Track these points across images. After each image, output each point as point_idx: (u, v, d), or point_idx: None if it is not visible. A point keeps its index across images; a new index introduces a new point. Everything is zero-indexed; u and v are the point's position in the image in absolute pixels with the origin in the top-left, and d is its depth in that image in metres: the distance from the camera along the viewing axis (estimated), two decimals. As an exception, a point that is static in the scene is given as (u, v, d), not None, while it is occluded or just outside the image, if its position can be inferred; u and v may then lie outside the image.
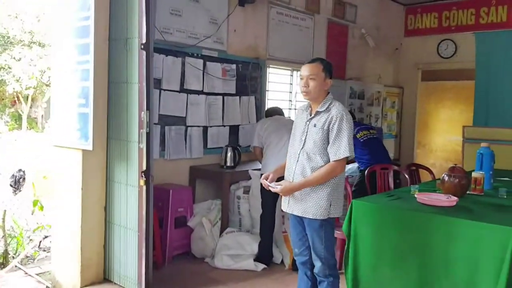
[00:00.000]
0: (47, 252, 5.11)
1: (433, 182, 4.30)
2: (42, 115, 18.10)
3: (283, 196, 2.98)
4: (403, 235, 3.14)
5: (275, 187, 2.87)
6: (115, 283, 3.81)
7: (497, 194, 3.72)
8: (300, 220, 2.92)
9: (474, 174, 3.80)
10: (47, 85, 15.35)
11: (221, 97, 5.08)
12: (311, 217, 2.79)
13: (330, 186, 2.81)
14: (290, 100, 6.22)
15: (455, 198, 3.31)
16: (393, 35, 8.04)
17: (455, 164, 3.70)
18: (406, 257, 3.11)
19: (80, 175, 3.67)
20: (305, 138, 2.86)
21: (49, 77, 15.30)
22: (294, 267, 4.19)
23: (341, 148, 2.75)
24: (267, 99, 5.74)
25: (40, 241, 5.07)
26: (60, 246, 3.92)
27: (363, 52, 7.31)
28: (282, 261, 4.41)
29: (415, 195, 3.42)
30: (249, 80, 5.36)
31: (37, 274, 4.51)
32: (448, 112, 9.49)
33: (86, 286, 3.75)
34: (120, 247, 3.76)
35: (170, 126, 4.64)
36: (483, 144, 4.11)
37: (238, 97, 5.26)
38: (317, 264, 2.86)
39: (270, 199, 4.22)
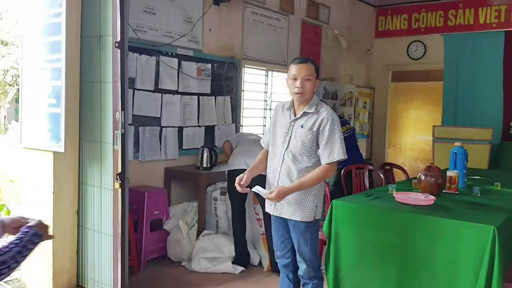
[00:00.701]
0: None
1: (409, 182, 4.34)
2: (5, 116, 17.53)
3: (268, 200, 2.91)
4: (384, 234, 3.14)
5: (266, 194, 2.73)
6: (89, 290, 3.68)
7: (471, 193, 3.78)
8: (283, 222, 2.87)
9: (449, 173, 3.84)
10: (10, 85, 14.88)
11: (196, 97, 5.00)
12: (298, 220, 2.75)
13: (316, 188, 2.79)
14: (265, 100, 6.18)
15: (433, 197, 3.34)
16: (365, 36, 8.12)
17: (431, 164, 3.74)
18: (387, 257, 3.11)
19: (52, 178, 3.53)
20: (289, 138, 2.81)
21: (12, 76, 14.83)
22: (273, 269, 4.16)
23: (335, 151, 2.71)
24: (243, 99, 5.68)
25: (7, 247, 4.86)
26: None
27: (336, 53, 7.34)
28: (260, 262, 4.36)
29: (394, 195, 3.44)
30: (224, 80, 5.30)
31: (5, 282, 4.33)
32: (416, 112, 9.67)
33: (58, 293, 3.61)
34: (94, 252, 3.64)
35: (145, 126, 4.52)
36: (456, 144, 4.17)
37: (213, 97, 5.19)
38: (302, 266, 2.83)
39: (238, 199, 4.21)
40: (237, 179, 2.81)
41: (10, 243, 1.56)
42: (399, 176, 5.59)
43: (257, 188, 2.74)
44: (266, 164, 2.95)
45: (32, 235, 1.65)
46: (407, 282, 3.02)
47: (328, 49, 7.13)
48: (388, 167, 5.40)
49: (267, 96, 6.22)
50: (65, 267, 3.67)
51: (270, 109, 6.27)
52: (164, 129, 4.70)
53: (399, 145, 9.93)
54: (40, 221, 1.79)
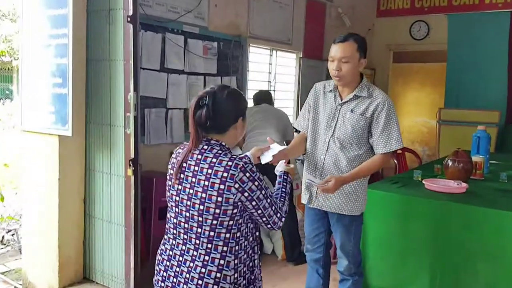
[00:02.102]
0: (8, 246, 4.65)
1: (429, 167, 4.19)
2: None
3: (307, 188, 2.67)
4: (415, 224, 3.00)
5: (320, 184, 2.40)
6: (97, 283, 3.46)
7: (497, 179, 3.65)
8: (321, 214, 2.66)
9: (474, 158, 3.69)
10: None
11: (202, 77, 4.73)
12: (346, 213, 2.53)
13: (365, 179, 2.57)
14: (269, 81, 5.94)
15: (465, 184, 3.19)
16: (366, 15, 7.88)
17: (458, 148, 3.57)
18: (419, 248, 2.97)
19: (57, 164, 3.27)
20: (335, 124, 2.55)
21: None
22: (288, 258, 3.98)
23: (392, 139, 2.46)
24: (248, 80, 5.43)
25: (3, 236, 4.60)
26: (33, 242, 3.51)
27: (339, 32, 7.02)
28: (274, 251, 4.18)
29: (423, 182, 3.27)
30: (230, 59, 5.03)
31: (2, 273, 4.08)
32: (415, 94, 9.55)
33: (64, 286, 3.38)
34: (102, 243, 3.41)
35: (150, 108, 4.25)
36: (479, 127, 4.01)
37: (219, 78, 4.92)
38: (343, 262, 2.63)
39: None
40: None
41: (283, 193, 1.92)
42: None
43: (309, 178, 2.48)
44: (303, 148, 2.70)
45: (289, 182, 1.99)
46: (443, 274, 2.88)
47: (331, 28, 6.89)
48: (400, 151, 5.24)
49: (271, 77, 5.98)
50: (71, 259, 3.43)
51: (274, 90, 6.04)
52: (170, 111, 4.44)
53: (395, 128, 9.83)
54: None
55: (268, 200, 1.72)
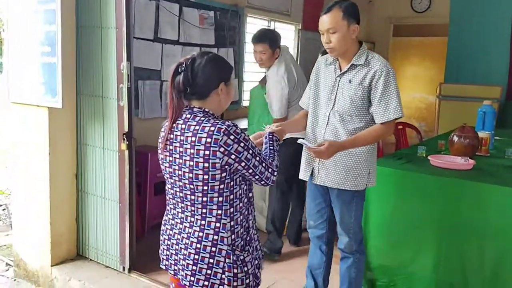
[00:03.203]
0: (3, 222, 4.54)
1: (433, 142, 4.07)
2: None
3: (307, 164, 2.56)
4: (420, 201, 2.88)
5: (312, 147, 2.25)
6: (91, 260, 3.35)
7: (502, 155, 3.53)
8: (323, 190, 2.54)
9: (480, 134, 3.56)
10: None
11: (198, 48, 4.55)
12: (348, 189, 2.41)
13: (368, 151, 2.41)
14: (267, 54, 5.76)
15: (472, 161, 3.07)
16: (367, -14, 7.68)
17: (465, 124, 3.45)
18: (426, 227, 2.86)
19: (47, 138, 3.12)
20: (335, 96, 2.43)
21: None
22: (293, 242, 3.86)
23: (391, 107, 2.31)
24: (245, 52, 5.26)
25: (-7, 211, 4.48)
26: (23, 219, 3.38)
27: (338, 3, 6.89)
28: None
29: (429, 158, 3.16)
30: (227, 30, 4.85)
31: (-7, 249, 3.98)
32: (413, 68, 9.40)
33: (57, 264, 3.27)
34: (96, 219, 3.29)
35: (144, 80, 4.10)
36: (485, 102, 3.88)
37: (216, 49, 4.75)
38: (344, 239, 2.52)
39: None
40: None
41: (271, 150, 1.93)
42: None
43: (301, 141, 2.30)
44: (304, 124, 2.58)
45: (276, 140, 2.00)
46: (448, 252, 2.78)
47: (331, -1, 6.68)
48: (400, 127, 5.11)
49: (268, 49, 5.80)
50: (64, 236, 3.31)
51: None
52: (164, 83, 4.28)
53: (393, 103, 9.71)
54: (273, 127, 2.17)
55: (257, 158, 1.73)
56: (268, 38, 3.51)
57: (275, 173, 1.81)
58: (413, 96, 9.48)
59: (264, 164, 1.75)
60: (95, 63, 3.12)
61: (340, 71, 2.43)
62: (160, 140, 1.82)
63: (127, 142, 3.03)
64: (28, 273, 3.38)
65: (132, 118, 3.10)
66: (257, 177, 1.74)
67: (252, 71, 5.41)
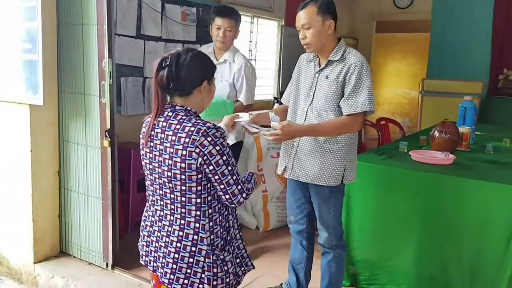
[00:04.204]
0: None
1: (414, 138, 4.13)
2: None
3: (283, 159, 2.59)
4: (401, 196, 2.93)
5: (267, 131, 2.22)
6: (74, 257, 3.34)
7: (483, 150, 3.61)
8: (301, 185, 2.56)
9: (461, 129, 3.63)
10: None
11: (181, 44, 4.54)
12: (323, 184, 2.43)
13: (343, 147, 2.42)
14: (250, 50, 5.77)
15: (452, 156, 3.13)
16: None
17: (446, 119, 3.51)
18: (405, 220, 2.91)
19: (29, 135, 3.09)
20: (313, 92, 2.45)
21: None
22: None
23: (359, 100, 2.32)
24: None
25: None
26: (5, 216, 3.35)
27: None
28: (258, 227, 4.11)
29: (410, 153, 3.20)
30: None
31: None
32: (396, 64, 9.48)
33: (40, 261, 3.26)
34: (79, 216, 3.28)
35: (127, 77, 4.07)
36: (466, 98, 3.94)
37: (198, 46, 4.72)
38: (323, 234, 2.55)
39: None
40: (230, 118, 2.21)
41: (249, 177, 1.85)
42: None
43: (250, 125, 2.25)
44: (283, 118, 2.58)
45: (254, 181, 1.86)
46: (428, 246, 2.84)
47: (314, -5, 6.70)
48: (383, 123, 5.17)
49: (251, 46, 5.81)
50: (47, 233, 3.30)
51: (255, 60, 5.88)
52: (147, 80, 4.26)
53: (376, 99, 9.66)
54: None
55: (234, 178, 1.71)
56: (237, 15, 3.32)
57: (247, 198, 1.77)
58: (396, 92, 9.57)
59: (239, 187, 1.72)
60: (76, 60, 3.10)
61: (319, 67, 2.45)
62: (141, 136, 1.82)
63: (109, 139, 3.02)
64: (11, 271, 3.36)
65: (115, 115, 3.09)
66: (227, 196, 1.71)
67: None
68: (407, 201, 2.90)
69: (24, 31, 2.98)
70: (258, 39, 5.88)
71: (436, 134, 3.42)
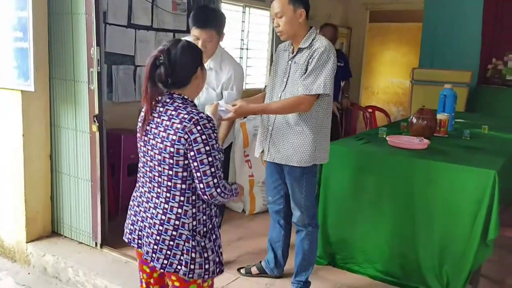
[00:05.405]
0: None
1: (396, 125, 4.25)
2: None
3: (259, 143, 2.73)
4: (377, 179, 3.06)
5: (227, 108, 2.39)
6: (65, 236, 3.50)
7: (460, 136, 3.73)
8: (278, 167, 2.70)
9: (439, 116, 3.76)
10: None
11: (172, 33, 4.66)
12: (295, 165, 2.56)
13: (312, 129, 2.53)
14: (242, 39, 5.88)
15: (427, 141, 3.26)
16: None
17: (423, 106, 3.63)
18: (380, 201, 3.04)
19: (21, 120, 3.23)
20: (287, 79, 2.58)
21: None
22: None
23: (316, 83, 2.43)
24: (220, 37, 5.36)
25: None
26: (0, 198, 3.50)
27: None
28: (244, 210, 4.25)
29: (387, 138, 3.33)
30: (201, 15, 4.94)
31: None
32: (391, 54, 9.56)
33: (32, 240, 3.41)
34: (70, 198, 3.43)
35: (118, 65, 4.20)
36: (446, 86, 4.06)
37: (189, 35, 4.84)
38: (296, 213, 2.69)
39: None
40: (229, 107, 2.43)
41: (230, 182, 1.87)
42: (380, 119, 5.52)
43: (225, 98, 2.54)
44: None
45: (235, 189, 1.88)
46: (401, 226, 2.97)
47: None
48: (370, 110, 5.29)
49: (244, 35, 5.92)
50: (39, 214, 3.45)
51: (247, 49, 5.99)
52: (138, 68, 4.39)
53: (371, 88, 9.85)
54: None
55: (212, 170, 1.73)
56: (217, 22, 2.75)
57: (221, 195, 1.77)
58: (391, 81, 9.66)
59: (215, 180, 1.73)
60: (66, 48, 3.23)
61: (292, 54, 2.58)
62: (139, 119, 1.88)
63: (98, 124, 3.15)
64: (5, 250, 3.52)
65: (103, 101, 3.21)
66: (201, 185, 1.73)
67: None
68: (381, 183, 3.03)
69: (16, 19, 3.11)
70: (250, 28, 5.98)
71: (414, 120, 3.56)
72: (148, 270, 1.99)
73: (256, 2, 5.89)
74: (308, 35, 2.53)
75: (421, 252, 2.92)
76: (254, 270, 3.03)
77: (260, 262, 3.04)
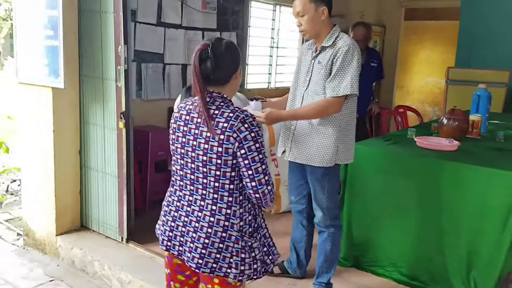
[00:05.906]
0: (15, 196, 4.81)
1: (427, 125, 4.15)
2: (0, 52, 17.03)
3: (282, 142, 2.71)
4: (403, 181, 2.99)
5: (257, 115, 2.40)
6: (93, 230, 3.57)
7: (494, 138, 3.60)
8: (300, 166, 2.67)
9: (472, 117, 3.64)
10: (4, 19, 14.30)
11: (201, 32, 4.69)
12: (317, 165, 2.53)
13: (336, 128, 2.50)
14: (272, 38, 5.86)
15: (457, 142, 3.16)
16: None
17: (455, 107, 3.53)
18: (407, 204, 2.97)
19: (51, 116, 3.32)
20: (309, 78, 2.55)
21: (5, 10, 14.24)
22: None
23: (343, 83, 2.41)
24: (249, 36, 5.37)
25: (8, 185, 4.74)
26: (32, 192, 3.61)
27: (347, -13, 6.92)
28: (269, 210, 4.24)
29: (415, 139, 3.25)
30: (230, 14, 4.96)
31: (6, 221, 4.24)
32: (427, 53, 9.30)
33: (62, 233, 3.50)
34: (98, 193, 3.50)
35: (147, 63, 4.26)
36: (480, 86, 3.94)
37: (219, 33, 4.87)
38: (318, 214, 2.66)
39: None
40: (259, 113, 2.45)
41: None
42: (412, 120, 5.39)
43: (252, 107, 2.48)
44: (283, 106, 2.70)
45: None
46: (427, 229, 2.90)
47: (339, -18, 6.70)
48: (401, 110, 5.18)
49: (274, 34, 5.90)
50: (68, 208, 3.53)
51: (277, 47, 5.97)
52: (167, 66, 4.44)
53: (406, 88, 9.64)
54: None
55: (264, 167, 1.71)
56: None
57: (270, 193, 1.75)
58: (427, 81, 9.41)
59: (266, 178, 1.72)
60: (95, 46, 3.29)
61: (316, 53, 2.55)
62: (173, 121, 1.83)
63: (124, 121, 3.20)
64: (36, 242, 3.62)
65: (132, 98, 3.27)
66: (253, 184, 1.70)
67: (255, 55, 5.55)
68: (408, 185, 2.96)
69: (46, 18, 3.19)
70: (280, 27, 5.95)
71: (445, 121, 3.46)
72: (183, 278, 1.93)
73: (287, 0, 5.85)
74: (331, 34, 2.50)
75: (448, 257, 2.83)
76: (276, 269, 3.01)
77: (283, 261, 3.02)
